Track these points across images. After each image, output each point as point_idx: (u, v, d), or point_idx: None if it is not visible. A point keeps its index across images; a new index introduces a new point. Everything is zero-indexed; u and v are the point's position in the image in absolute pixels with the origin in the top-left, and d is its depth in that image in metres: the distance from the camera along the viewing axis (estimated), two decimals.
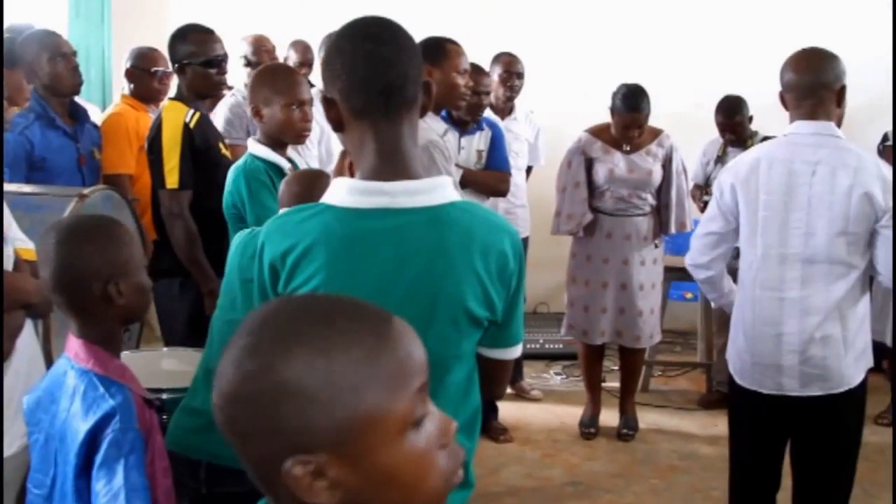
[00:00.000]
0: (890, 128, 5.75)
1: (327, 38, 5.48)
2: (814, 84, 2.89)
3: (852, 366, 2.94)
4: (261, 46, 5.26)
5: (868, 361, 3.02)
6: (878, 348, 5.54)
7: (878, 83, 6.02)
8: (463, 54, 3.70)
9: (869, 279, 3.01)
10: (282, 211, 2.15)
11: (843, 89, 2.91)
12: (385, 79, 1.73)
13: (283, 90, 3.15)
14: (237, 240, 2.67)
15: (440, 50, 3.64)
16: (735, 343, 3.08)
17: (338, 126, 1.80)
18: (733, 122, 5.40)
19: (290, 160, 3.26)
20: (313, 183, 2.58)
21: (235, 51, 4.95)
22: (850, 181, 2.81)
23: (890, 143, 5.28)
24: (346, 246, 1.72)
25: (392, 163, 1.75)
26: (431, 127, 3.57)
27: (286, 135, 3.20)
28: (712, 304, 5.55)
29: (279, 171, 3.07)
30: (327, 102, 1.77)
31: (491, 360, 1.91)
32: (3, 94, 2.65)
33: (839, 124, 2.95)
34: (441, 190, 1.77)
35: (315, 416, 0.99)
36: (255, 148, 3.16)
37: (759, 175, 2.92)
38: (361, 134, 1.76)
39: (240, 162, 3.18)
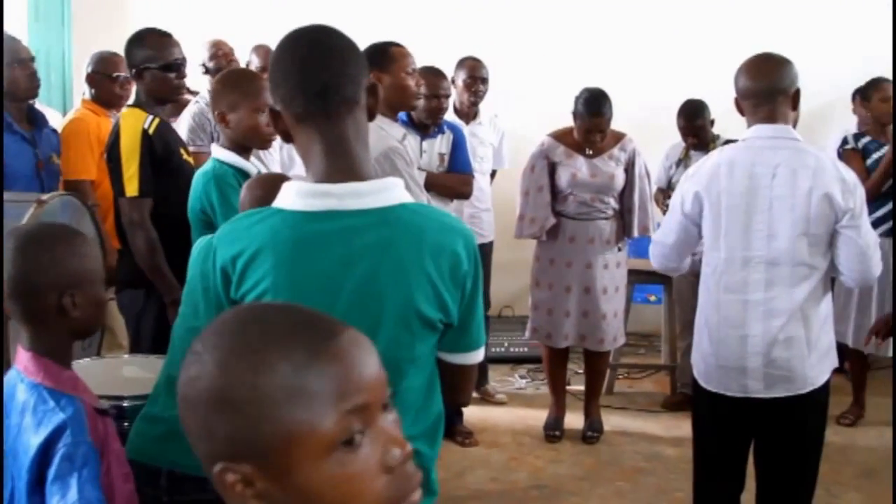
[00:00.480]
0: (846, 131, 5.84)
1: (258, 47, 5.49)
2: (769, 89, 2.92)
3: (816, 366, 2.96)
4: (217, 50, 5.24)
5: (832, 362, 3.05)
6: (839, 349, 5.64)
7: (830, 88, 6.11)
8: (409, 55, 3.70)
9: (831, 280, 3.04)
10: None
11: (797, 93, 2.94)
12: (320, 80, 1.73)
13: (250, 95, 3.13)
14: (198, 246, 2.65)
15: (385, 54, 3.65)
16: (699, 346, 3.10)
17: (286, 136, 1.79)
18: (695, 125, 5.43)
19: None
20: (275, 187, 2.55)
21: (196, 55, 4.92)
22: (810, 183, 2.84)
23: (850, 145, 5.34)
24: (294, 249, 1.71)
25: (339, 164, 1.75)
26: (390, 133, 3.57)
27: (253, 140, 3.18)
28: (675, 307, 5.63)
29: (246, 176, 3.05)
30: (274, 114, 1.78)
31: (452, 365, 1.90)
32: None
33: (794, 127, 2.99)
34: (390, 191, 1.76)
35: (241, 428, 1.00)
36: (221, 153, 3.14)
37: (721, 180, 2.94)
38: (307, 139, 1.76)
39: (207, 167, 3.15)
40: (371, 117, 1.84)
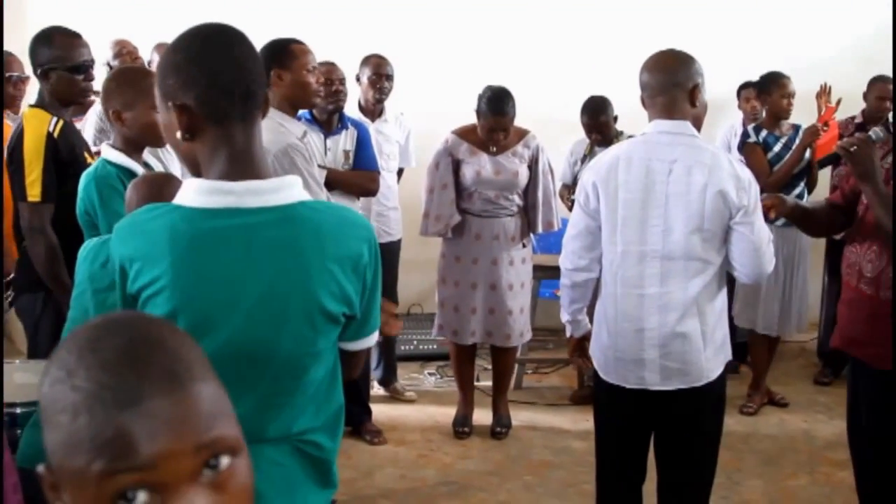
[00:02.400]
0: (732, 126, 6.00)
1: (160, 45, 5.41)
2: (666, 83, 2.96)
3: (712, 359, 3.01)
4: (122, 49, 5.15)
5: (727, 355, 3.10)
6: (742, 339, 5.80)
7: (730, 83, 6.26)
8: (309, 52, 3.69)
9: (728, 274, 3.10)
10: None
11: (695, 88, 2.97)
12: (245, 82, 1.74)
13: (147, 92, 3.06)
14: (85, 249, 2.60)
15: (286, 51, 3.62)
16: (598, 339, 3.14)
17: (191, 133, 1.76)
18: (598, 122, 5.47)
19: (146, 165, 3.18)
20: (162, 186, 2.52)
21: (99, 55, 4.83)
22: (705, 180, 2.87)
23: (752, 139, 5.46)
24: (193, 245, 1.70)
25: (242, 165, 1.75)
26: (290, 130, 3.55)
27: (151, 138, 3.12)
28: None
29: (133, 177, 2.99)
30: (180, 110, 1.73)
31: (352, 351, 1.94)
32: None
33: (696, 124, 3.02)
34: (289, 189, 1.76)
35: (46, 438, 0.99)
36: (109, 153, 3.07)
37: (618, 174, 2.97)
38: (216, 139, 1.75)
39: (91, 168, 3.09)
40: (262, 115, 1.84)
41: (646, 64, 3.03)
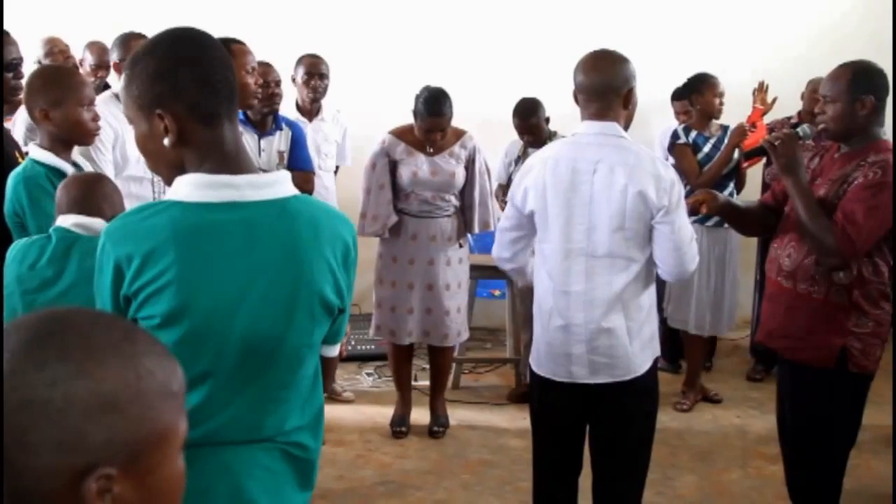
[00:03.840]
0: (668, 128, 6.08)
1: (91, 44, 5.33)
2: (601, 86, 2.99)
3: (639, 354, 3.06)
4: (53, 47, 5.08)
5: (655, 350, 3.15)
6: (678, 337, 5.88)
7: (665, 85, 6.34)
8: (249, 53, 3.67)
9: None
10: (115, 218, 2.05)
11: (630, 91, 3.02)
12: (229, 81, 1.77)
13: (74, 90, 3.04)
14: (13, 249, 2.56)
15: (228, 51, 3.60)
16: (535, 333, 3.20)
17: (180, 139, 1.74)
18: (528, 124, 5.49)
19: (76, 165, 3.14)
20: (92, 187, 2.50)
21: (29, 53, 4.76)
22: (626, 180, 2.92)
23: (682, 140, 5.53)
24: (197, 238, 1.70)
25: (235, 161, 1.77)
26: None
27: (79, 136, 3.09)
28: (517, 301, 5.73)
29: (62, 177, 2.96)
30: (172, 116, 1.72)
31: (326, 358, 2.01)
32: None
33: (627, 125, 3.07)
34: (283, 184, 1.80)
35: (122, 430, 1.02)
36: (37, 153, 3.03)
37: (547, 174, 3.01)
38: (207, 140, 1.75)
39: (19, 168, 3.04)
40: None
41: (581, 64, 3.05)
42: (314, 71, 5.38)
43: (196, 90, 1.72)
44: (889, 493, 4.65)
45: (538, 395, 3.24)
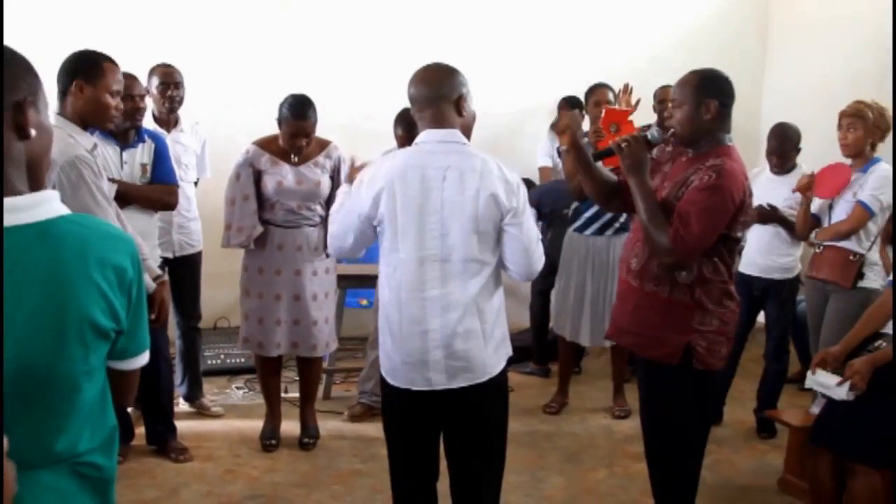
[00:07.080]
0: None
1: None
2: (432, 96, 3.07)
3: (493, 355, 3.11)
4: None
5: (507, 350, 3.21)
6: (552, 345, 5.96)
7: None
8: (118, 73, 3.61)
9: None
10: None
11: (461, 99, 3.09)
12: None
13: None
14: None
15: (97, 66, 3.54)
16: (384, 346, 3.18)
17: None
18: (413, 135, 5.49)
19: None
20: None
21: None
22: (477, 185, 2.99)
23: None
24: None
25: None
26: (79, 142, 3.46)
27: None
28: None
29: None
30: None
31: (119, 371, 1.89)
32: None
33: (465, 132, 3.13)
34: (48, 204, 1.69)
35: None
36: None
37: (396, 182, 3.04)
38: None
39: None
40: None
41: (412, 79, 3.14)
42: (169, 80, 5.31)
43: None
44: (749, 484, 4.84)
45: (394, 406, 3.26)
